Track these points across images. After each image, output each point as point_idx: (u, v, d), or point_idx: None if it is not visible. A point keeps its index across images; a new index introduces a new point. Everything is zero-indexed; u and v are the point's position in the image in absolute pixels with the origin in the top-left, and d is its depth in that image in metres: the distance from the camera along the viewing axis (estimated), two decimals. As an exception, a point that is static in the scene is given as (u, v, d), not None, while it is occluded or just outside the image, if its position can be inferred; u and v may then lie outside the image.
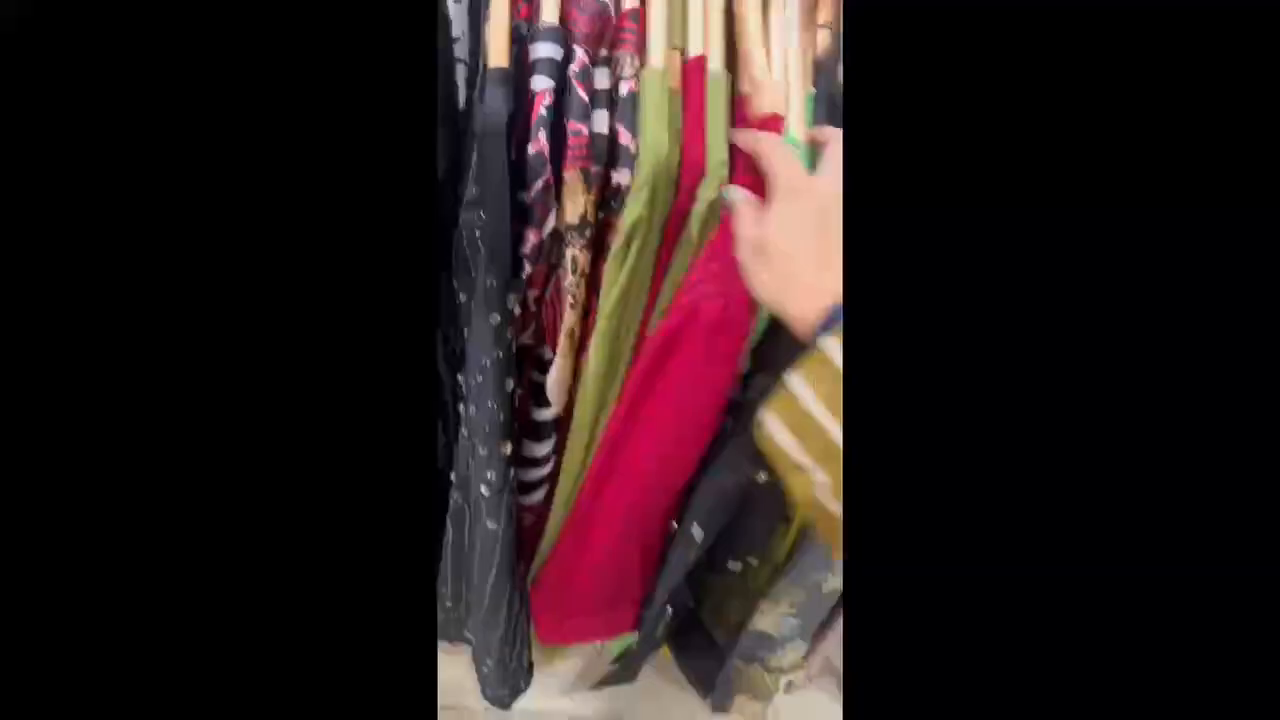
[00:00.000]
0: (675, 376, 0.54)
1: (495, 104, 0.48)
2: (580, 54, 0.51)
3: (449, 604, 0.74)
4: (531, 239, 0.52)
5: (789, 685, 0.78)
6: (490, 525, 0.61)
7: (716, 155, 0.49)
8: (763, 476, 0.59)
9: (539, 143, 0.49)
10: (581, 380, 0.57)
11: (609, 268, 0.52)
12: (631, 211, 0.49)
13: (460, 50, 0.55)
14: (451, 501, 0.65)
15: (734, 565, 0.67)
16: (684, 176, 0.50)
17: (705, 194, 0.50)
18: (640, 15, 0.53)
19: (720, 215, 0.51)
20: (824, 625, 0.74)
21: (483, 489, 0.60)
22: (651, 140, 0.48)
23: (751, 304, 0.52)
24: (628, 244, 0.51)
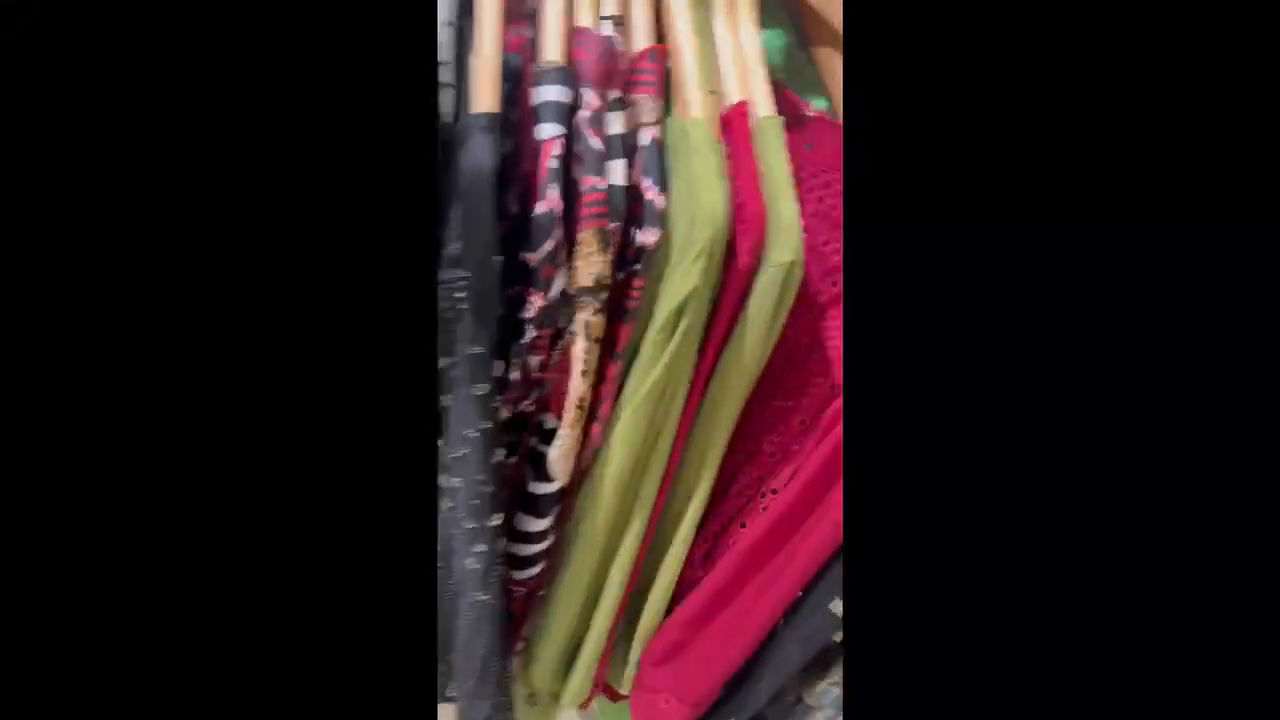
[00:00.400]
0: None
1: (480, 154, 0.41)
2: (591, 97, 0.45)
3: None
4: (536, 302, 0.46)
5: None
6: (481, 597, 0.55)
7: (786, 210, 0.43)
8: None
9: (550, 200, 0.43)
10: (603, 459, 0.51)
11: (650, 344, 0.44)
12: (685, 284, 0.42)
13: (446, 74, 0.49)
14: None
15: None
16: (740, 238, 0.43)
17: (778, 256, 0.43)
18: (660, 54, 0.47)
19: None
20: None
21: (471, 562, 0.54)
22: (707, 202, 0.41)
23: None
24: (676, 319, 0.43)
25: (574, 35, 0.46)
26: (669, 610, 0.62)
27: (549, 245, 0.43)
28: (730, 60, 0.48)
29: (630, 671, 0.64)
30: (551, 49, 0.45)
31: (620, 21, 0.47)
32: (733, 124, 0.46)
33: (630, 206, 0.45)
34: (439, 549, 0.58)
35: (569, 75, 0.44)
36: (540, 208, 0.42)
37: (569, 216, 0.43)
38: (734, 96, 0.48)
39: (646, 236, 0.44)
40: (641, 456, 0.49)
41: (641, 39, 0.47)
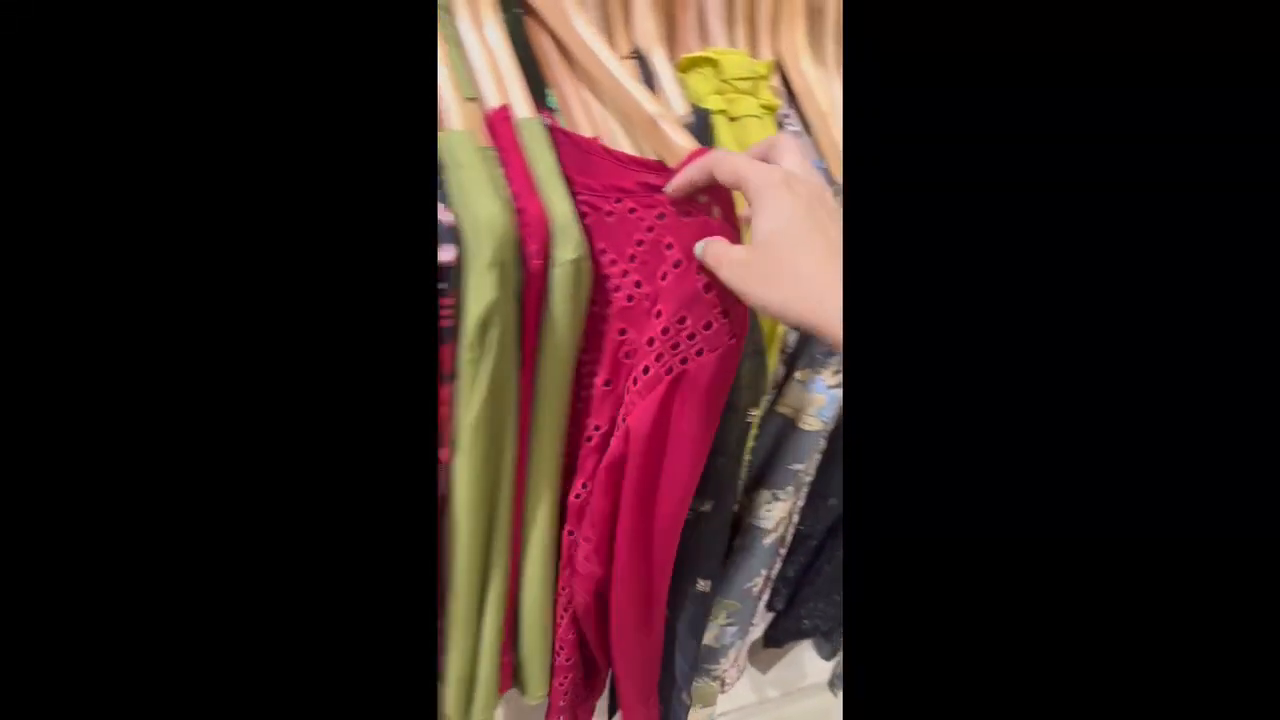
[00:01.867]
0: (677, 443, 0.48)
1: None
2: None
3: None
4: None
5: (723, 685, 0.78)
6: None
7: (561, 209, 0.44)
8: (707, 506, 0.58)
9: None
10: (452, 485, 0.50)
11: (466, 363, 0.45)
12: (482, 297, 0.43)
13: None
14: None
15: (701, 584, 0.65)
16: (527, 241, 0.44)
17: (563, 254, 0.45)
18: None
19: (590, 272, 0.47)
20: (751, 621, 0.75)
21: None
22: (484, 214, 0.42)
23: (740, 344, 0.47)
24: (483, 332, 0.44)
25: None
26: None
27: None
28: (483, 64, 0.48)
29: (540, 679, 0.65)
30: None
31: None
32: (497, 128, 0.47)
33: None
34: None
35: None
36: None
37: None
38: (492, 100, 0.48)
39: (445, 254, 0.43)
40: (487, 474, 0.50)
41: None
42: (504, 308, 0.44)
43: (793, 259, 0.37)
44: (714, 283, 0.43)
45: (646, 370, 0.47)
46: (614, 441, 0.49)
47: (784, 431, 0.62)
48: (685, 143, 0.51)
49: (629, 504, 0.50)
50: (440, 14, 0.48)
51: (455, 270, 0.45)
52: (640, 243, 0.46)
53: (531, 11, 0.52)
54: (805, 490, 0.67)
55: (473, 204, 0.43)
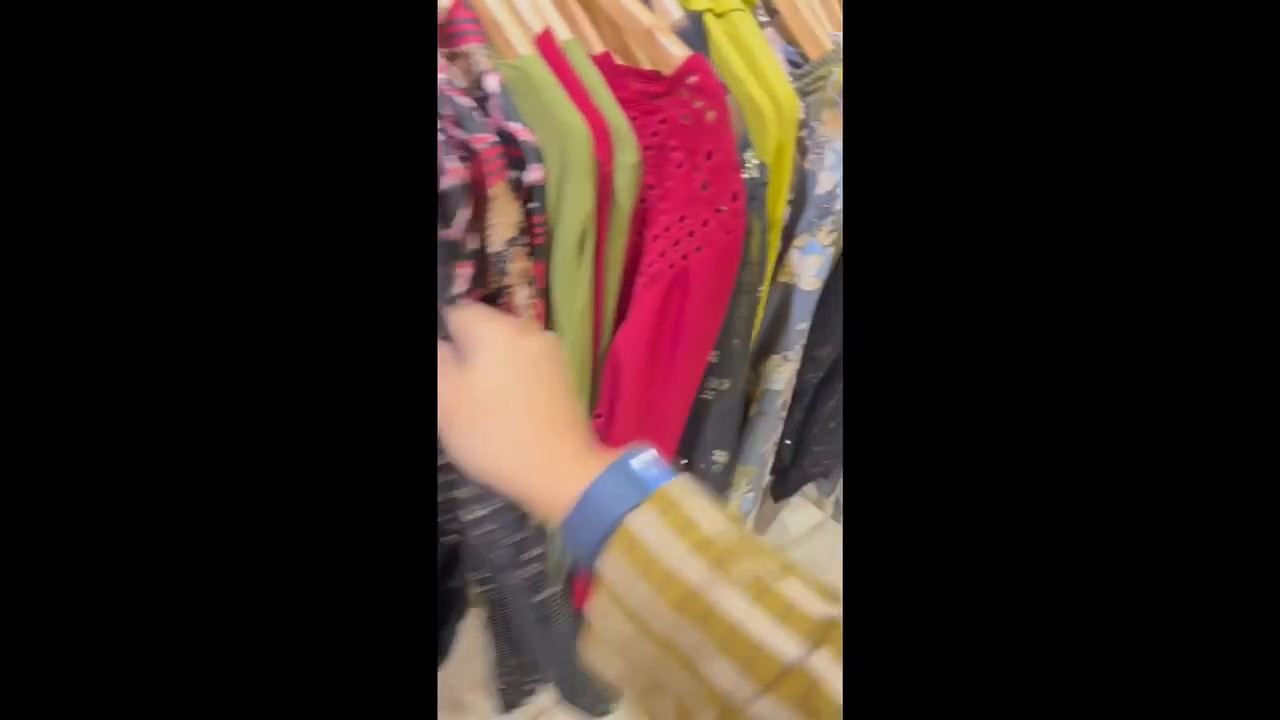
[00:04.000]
0: (679, 333, 0.56)
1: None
2: (440, 60, 0.46)
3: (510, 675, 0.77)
4: (465, 272, 0.49)
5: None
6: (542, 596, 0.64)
7: (618, 119, 0.50)
8: (725, 385, 0.66)
9: (455, 171, 0.45)
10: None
11: (564, 269, 0.51)
12: (582, 206, 0.49)
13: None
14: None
15: (719, 455, 0.73)
16: (598, 149, 0.49)
17: (626, 158, 0.50)
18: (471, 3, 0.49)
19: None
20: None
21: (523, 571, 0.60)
22: (574, 128, 0.47)
23: (738, 239, 0.54)
24: (581, 241, 0.50)
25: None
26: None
27: (466, 213, 0.46)
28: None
29: None
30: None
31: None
32: (545, 52, 0.51)
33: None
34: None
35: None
36: (446, 182, 0.44)
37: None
38: (535, 27, 0.52)
39: (534, 174, 0.48)
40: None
41: (444, -2, 0.49)
42: (595, 215, 0.50)
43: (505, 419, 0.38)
44: (711, 180, 0.50)
45: (651, 266, 0.54)
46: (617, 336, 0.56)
47: (787, 297, 0.72)
48: (679, 51, 0.58)
49: (631, 391, 0.57)
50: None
51: (543, 187, 0.49)
52: (646, 148, 0.52)
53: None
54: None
55: (563, 120, 0.47)
